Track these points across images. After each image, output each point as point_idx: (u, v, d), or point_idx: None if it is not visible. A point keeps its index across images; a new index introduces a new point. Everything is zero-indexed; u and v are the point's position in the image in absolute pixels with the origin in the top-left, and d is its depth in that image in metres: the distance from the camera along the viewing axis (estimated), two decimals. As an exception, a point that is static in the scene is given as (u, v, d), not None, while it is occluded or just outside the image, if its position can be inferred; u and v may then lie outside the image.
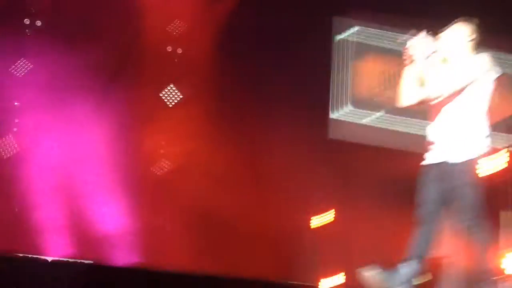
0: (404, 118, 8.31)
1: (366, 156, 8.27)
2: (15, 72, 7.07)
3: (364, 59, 8.50)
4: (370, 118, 8.32)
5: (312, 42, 7.99)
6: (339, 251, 7.92)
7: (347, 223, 7.95)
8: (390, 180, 7.45)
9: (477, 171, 3.71)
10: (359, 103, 8.28)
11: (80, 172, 7.22)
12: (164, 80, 8.12)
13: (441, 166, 3.74)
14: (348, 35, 8.46)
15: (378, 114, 8.26)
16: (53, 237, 6.96)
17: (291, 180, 7.80)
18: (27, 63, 7.08)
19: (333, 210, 8.34)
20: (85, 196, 7.11)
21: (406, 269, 3.66)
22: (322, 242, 8.15)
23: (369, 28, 8.42)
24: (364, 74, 8.43)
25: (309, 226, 8.36)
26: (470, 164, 3.67)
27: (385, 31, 8.45)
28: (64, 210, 7.04)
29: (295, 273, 7.75)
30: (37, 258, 6.67)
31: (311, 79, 8.07)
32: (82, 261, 6.77)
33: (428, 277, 3.92)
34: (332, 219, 8.32)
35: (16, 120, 7.32)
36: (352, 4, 7.96)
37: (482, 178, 3.80)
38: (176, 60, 8.04)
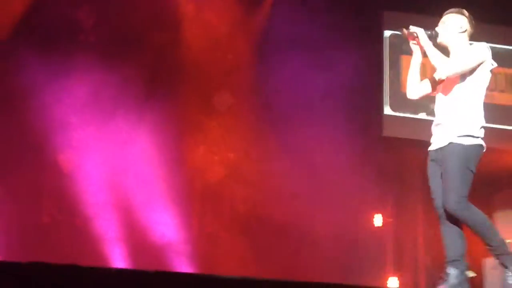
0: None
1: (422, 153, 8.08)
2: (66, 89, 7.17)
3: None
4: (424, 113, 8.13)
5: (362, 39, 7.84)
6: (396, 251, 7.77)
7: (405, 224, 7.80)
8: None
9: (465, 155, 3.63)
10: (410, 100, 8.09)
11: (135, 183, 7.29)
12: (214, 87, 8.10)
13: (438, 152, 3.73)
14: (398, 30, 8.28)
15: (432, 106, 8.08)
16: (112, 248, 7.07)
17: (346, 181, 7.66)
18: (77, 79, 7.17)
19: (391, 210, 8.17)
20: (140, 207, 7.18)
21: (452, 271, 3.60)
22: (380, 243, 8.02)
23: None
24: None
25: (368, 227, 8.21)
26: (456, 146, 3.62)
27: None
28: (121, 221, 7.14)
29: (357, 275, 7.61)
30: (99, 268, 6.78)
31: (361, 76, 7.90)
32: (144, 270, 6.83)
33: (471, 274, 3.78)
34: (390, 219, 8.18)
35: (70, 135, 7.47)
36: None
37: (473, 162, 3.67)
38: (224, 67, 8.00)
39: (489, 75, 3.80)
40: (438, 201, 3.73)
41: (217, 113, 8.05)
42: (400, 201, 8.23)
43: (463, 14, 3.80)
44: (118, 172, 7.24)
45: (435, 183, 3.75)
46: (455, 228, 3.66)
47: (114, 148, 7.22)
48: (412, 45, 3.86)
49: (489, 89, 8.17)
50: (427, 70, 4.43)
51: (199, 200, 7.72)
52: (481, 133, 3.74)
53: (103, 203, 7.08)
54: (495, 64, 3.80)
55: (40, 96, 7.06)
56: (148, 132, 7.19)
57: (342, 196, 7.72)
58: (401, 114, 8.12)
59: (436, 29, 3.76)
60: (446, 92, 3.75)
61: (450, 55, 3.78)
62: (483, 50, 3.72)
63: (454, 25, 3.77)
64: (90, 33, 7.60)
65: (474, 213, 3.60)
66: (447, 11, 3.82)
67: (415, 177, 8.04)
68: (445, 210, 3.64)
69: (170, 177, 7.20)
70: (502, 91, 8.34)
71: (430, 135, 8.11)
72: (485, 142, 8.48)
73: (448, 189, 3.58)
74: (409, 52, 8.24)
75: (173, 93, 7.69)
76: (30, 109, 7.00)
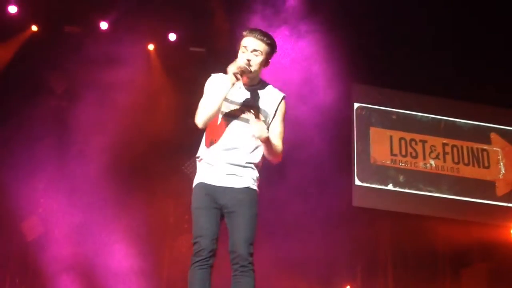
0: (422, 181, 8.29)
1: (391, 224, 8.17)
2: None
3: (383, 126, 8.51)
4: (391, 184, 8.25)
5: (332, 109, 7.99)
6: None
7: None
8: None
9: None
10: (379, 170, 8.24)
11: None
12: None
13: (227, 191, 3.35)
14: (366, 103, 8.52)
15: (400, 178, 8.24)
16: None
17: (317, 251, 7.62)
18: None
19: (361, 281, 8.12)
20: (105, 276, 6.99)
21: None
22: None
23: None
24: (384, 141, 8.42)
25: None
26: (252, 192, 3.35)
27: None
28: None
29: None
30: None
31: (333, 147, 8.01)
32: None
33: None
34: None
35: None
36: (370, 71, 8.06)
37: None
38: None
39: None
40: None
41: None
42: (369, 272, 8.20)
43: (273, 47, 3.44)
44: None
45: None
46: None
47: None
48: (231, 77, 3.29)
49: (454, 162, 8.59)
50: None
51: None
52: None
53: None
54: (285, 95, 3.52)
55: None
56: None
57: (313, 267, 7.66)
58: (370, 185, 8.21)
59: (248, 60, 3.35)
60: (246, 136, 3.36)
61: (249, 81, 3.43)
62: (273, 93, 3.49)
63: (266, 60, 3.42)
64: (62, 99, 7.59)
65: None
66: (264, 40, 3.37)
67: (385, 247, 8.06)
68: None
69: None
70: (466, 164, 8.55)
71: (399, 206, 8.19)
72: (451, 214, 8.49)
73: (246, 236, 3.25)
74: (379, 125, 8.39)
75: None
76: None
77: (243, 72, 3.33)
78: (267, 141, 3.34)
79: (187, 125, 3.46)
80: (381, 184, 8.23)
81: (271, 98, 3.47)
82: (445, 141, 8.59)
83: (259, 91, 3.46)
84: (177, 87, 7.49)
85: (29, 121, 7.08)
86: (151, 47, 7.80)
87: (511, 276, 8.03)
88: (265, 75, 3.61)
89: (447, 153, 8.54)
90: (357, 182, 8.16)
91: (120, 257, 7.02)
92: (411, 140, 8.50)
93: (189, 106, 3.80)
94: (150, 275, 7.12)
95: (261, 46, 3.38)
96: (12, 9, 7.22)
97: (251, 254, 3.25)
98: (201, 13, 7.15)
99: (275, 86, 3.56)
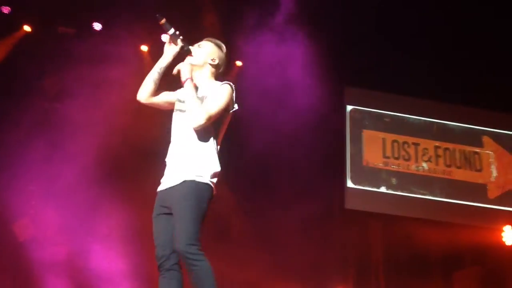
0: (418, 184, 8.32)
1: (384, 226, 8.18)
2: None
3: (376, 128, 8.53)
4: (384, 187, 8.27)
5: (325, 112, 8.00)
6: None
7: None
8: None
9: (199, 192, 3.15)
10: (371, 173, 8.26)
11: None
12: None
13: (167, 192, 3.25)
14: (359, 105, 8.55)
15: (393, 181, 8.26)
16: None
17: (309, 254, 7.61)
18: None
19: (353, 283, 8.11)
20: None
21: None
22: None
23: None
24: (376, 143, 8.44)
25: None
26: (189, 184, 3.15)
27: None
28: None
29: None
30: None
31: (325, 150, 8.01)
32: None
33: None
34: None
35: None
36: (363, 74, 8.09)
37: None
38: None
39: (229, 116, 3.36)
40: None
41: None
42: (361, 275, 8.20)
43: (220, 48, 3.45)
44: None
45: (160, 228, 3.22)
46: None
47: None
48: (167, 45, 3.39)
49: (446, 164, 8.62)
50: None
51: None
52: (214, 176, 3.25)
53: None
54: (237, 107, 3.36)
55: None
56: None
57: (305, 270, 7.65)
58: (363, 187, 8.23)
59: (191, 47, 3.38)
60: (183, 128, 3.27)
61: (196, 84, 3.33)
62: (232, 92, 3.30)
63: (208, 54, 3.39)
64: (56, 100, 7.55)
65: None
66: (208, 38, 3.48)
67: (377, 250, 8.06)
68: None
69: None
70: (458, 167, 8.58)
71: (392, 208, 8.23)
72: (443, 217, 8.51)
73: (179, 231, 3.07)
74: (372, 127, 8.41)
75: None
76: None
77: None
78: (180, 76, 3.26)
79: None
80: (373, 187, 8.25)
81: (212, 86, 3.34)
82: (437, 143, 8.62)
83: (203, 86, 3.36)
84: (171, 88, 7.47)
85: (21, 123, 7.05)
86: (144, 48, 7.79)
87: (503, 278, 8.06)
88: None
89: (440, 156, 8.57)
90: (350, 184, 8.17)
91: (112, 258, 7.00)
92: (404, 142, 8.52)
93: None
94: (141, 277, 7.10)
95: (203, 41, 3.45)
96: (5, 9, 7.19)
97: (191, 245, 3.02)
98: (190, 13, 7.15)
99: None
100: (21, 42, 7.45)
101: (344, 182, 8.14)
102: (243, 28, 7.28)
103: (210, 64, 3.40)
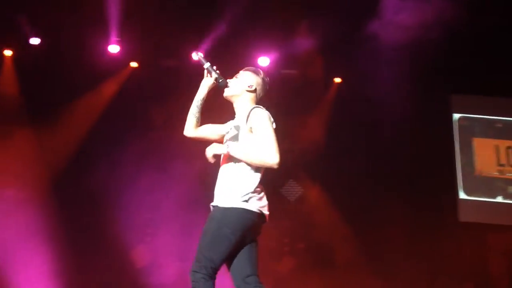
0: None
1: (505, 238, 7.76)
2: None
3: (487, 135, 8.18)
4: (501, 196, 7.88)
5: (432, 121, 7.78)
6: None
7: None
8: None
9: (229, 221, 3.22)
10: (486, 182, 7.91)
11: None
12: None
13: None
14: (467, 113, 8.23)
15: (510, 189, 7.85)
16: None
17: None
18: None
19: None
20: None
21: None
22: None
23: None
24: (489, 151, 8.08)
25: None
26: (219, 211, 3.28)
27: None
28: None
29: None
30: None
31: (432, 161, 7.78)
32: None
33: None
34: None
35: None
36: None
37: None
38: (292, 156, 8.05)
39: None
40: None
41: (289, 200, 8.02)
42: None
43: (256, 74, 3.57)
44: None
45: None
46: None
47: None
48: (205, 78, 3.61)
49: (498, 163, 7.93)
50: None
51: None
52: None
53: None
54: (274, 125, 3.41)
55: None
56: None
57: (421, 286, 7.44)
58: (477, 198, 7.89)
59: (228, 80, 3.54)
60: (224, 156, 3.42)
61: (235, 109, 3.54)
62: (265, 112, 3.39)
63: (244, 81, 3.53)
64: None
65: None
66: (245, 68, 3.62)
67: (497, 264, 7.65)
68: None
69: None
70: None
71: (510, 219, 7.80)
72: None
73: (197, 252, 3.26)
74: (482, 135, 8.04)
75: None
76: None
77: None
78: (223, 155, 3.38)
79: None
80: (489, 197, 7.89)
81: (244, 114, 3.46)
82: (555, 147, 8.10)
83: (243, 113, 3.48)
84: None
85: (132, 154, 7.45)
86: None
87: None
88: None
89: (559, 160, 8.04)
90: (462, 196, 7.86)
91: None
92: (520, 148, 8.09)
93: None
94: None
95: (240, 72, 3.62)
96: (114, 48, 7.65)
97: (197, 265, 3.19)
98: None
99: None
100: (130, 77, 7.91)
101: (456, 193, 7.84)
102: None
103: (248, 91, 3.53)
